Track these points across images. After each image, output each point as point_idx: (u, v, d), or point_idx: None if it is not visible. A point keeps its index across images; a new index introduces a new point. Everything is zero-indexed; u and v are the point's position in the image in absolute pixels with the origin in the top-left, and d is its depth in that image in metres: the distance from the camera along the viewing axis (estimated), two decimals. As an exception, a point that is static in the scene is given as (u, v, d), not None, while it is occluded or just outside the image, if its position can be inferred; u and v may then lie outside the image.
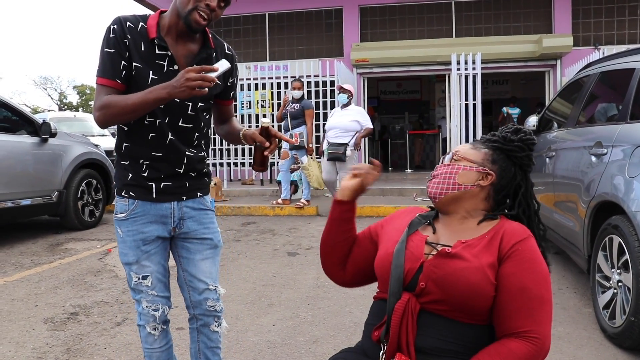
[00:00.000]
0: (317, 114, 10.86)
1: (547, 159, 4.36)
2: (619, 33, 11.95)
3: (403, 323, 1.33)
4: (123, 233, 1.84)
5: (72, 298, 3.82)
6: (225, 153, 10.73)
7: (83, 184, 6.57)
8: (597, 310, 3.13)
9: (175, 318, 3.15)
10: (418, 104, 16.89)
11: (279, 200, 8.07)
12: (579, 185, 3.50)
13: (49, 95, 47.36)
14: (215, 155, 10.86)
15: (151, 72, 1.71)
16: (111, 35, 1.69)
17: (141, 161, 1.79)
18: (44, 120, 6.17)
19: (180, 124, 1.79)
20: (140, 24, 1.73)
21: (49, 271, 4.58)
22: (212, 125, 2.02)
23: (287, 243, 5.68)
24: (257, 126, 9.60)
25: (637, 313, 2.59)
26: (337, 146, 6.88)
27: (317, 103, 10.86)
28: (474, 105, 9.27)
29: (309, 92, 10.91)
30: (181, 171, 1.84)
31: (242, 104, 11.25)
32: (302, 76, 10.60)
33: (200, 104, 1.82)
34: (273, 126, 1.75)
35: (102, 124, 1.69)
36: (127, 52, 1.69)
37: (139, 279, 1.85)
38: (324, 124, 10.37)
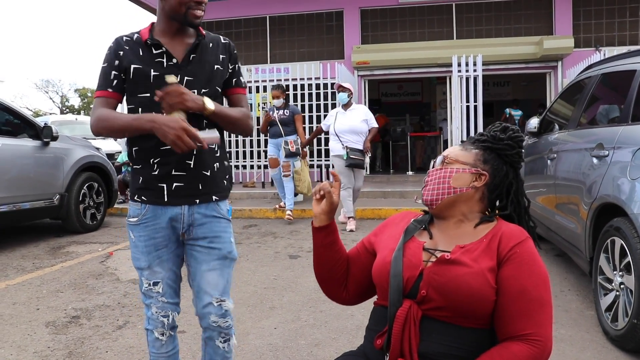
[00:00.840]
0: (318, 117, 10.88)
1: (549, 161, 4.35)
2: (619, 34, 11.95)
3: (405, 330, 1.32)
4: (135, 238, 1.85)
5: (74, 301, 3.82)
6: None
7: (85, 187, 6.57)
8: (599, 312, 3.12)
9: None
10: (419, 106, 16.88)
11: (287, 212, 7.22)
12: (581, 187, 3.49)
13: (51, 99, 47.54)
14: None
15: (152, 70, 1.79)
16: (107, 52, 1.85)
17: (151, 160, 1.80)
18: (45, 124, 6.18)
19: None
20: (135, 35, 1.86)
21: (51, 274, 4.58)
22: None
23: (288, 246, 5.68)
24: (257, 129, 9.62)
25: (640, 315, 2.58)
26: (358, 152, 6.50)
27: (317, 105, 10.89)
28: (475, 107, 9.28)
29: (310, 95, 10.93)
30: (191, 164, 1.81)
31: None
32: (303, 78, 10.63)
33: (203, 90, 1.83)
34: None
35: (96, 134, 1.84)
36: (119, 61, 1.81)
37: (149, 284, 1.85)
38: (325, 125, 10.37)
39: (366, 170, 9.69)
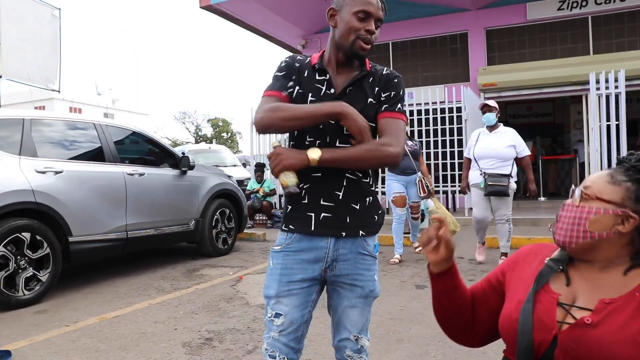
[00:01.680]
0: (444, 141, 10.61)
1: None
2: None
3: None
4: (273, 265, 1.83)
5: (207, 323, 3.99)
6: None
7: (217, 213, 6.94)
8: None
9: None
10: (551, 127, 15.86)
11: (395, 260, 6.26)
12: None
13: (187, 129, 51.59)
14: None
15: (310, 94, 1.81)
16: (282, 64, 1.88)
17: (301, 185, 1.77)
18: (183, 154, 6.65)
19: (337, 144, 1.77)
20: (308, 58, 1.91)
21: (187, 296, 4.85)
22: None
23: (414, 275, 5.52)
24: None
25: None
26: (498, 178, 5.52)
27: (442, 130, 10.63)
28: (617, 125, 8.51)
29: (435, 120, 10.71)
30: (340, 195, 1.77)
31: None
32: (428, 103, 10.46)
33: None
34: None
35: (264, 126, 1.74)
36: (295, 75, 1.84)
37: (272, 315, 1.79)
38: (459, 151, 10.08)
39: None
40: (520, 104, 15.66)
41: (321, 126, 1.75)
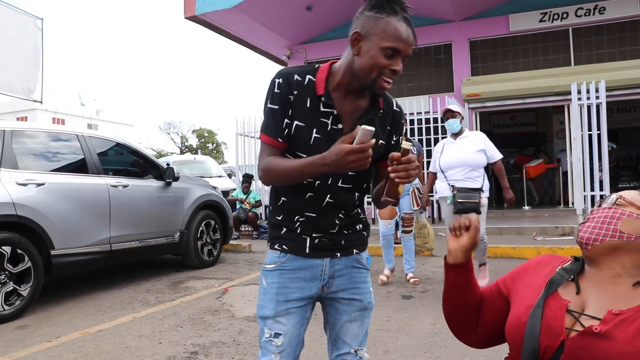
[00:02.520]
0: (429, 151, 10.64)
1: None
2: None
3: None
4: (267, 284, 1.76)
5: (192, 337, 3.94)
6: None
7: (202, 225, 6.89)
8: None
9: None
10: (534, 137, 16.04)
11: (413, 279, 5.61)
12: None
13: (172, 139, 51.32)
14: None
15: (315, 130, 1.64)
16: (276, 91, 1.65)
17: (295, 217, 1.73)
18: (168, 165, 6.61)
19: (339, 184, 1.70)
20: (308, 77, 1.66)
21: (172, 309, 4.79)
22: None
23: (400, 285, 5.51)
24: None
25: None
26: (469, 193, 4.87)
27: (428, 140, 10.67)
28: (599, 135, 8.62)
29: (420, 130, 10.77)
30: (334, 231, 1.75)
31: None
32: (413, 113, 10.50)
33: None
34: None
35: (265, 183, 1.69)
36: (290, 110, 1.65)
37: (270, 335, 1.72)
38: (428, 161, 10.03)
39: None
40: (504, 114, 15.81)
41: None
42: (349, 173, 1.68)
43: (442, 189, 5.20)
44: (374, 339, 3.70)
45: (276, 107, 1.65)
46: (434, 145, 9.60)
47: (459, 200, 4.86)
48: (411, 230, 5.66)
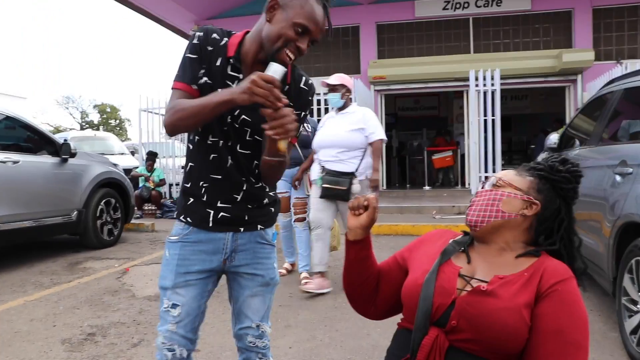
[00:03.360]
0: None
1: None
2: (641, 47, 11.80)
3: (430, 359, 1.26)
4: (169, 255, 1.77)
5: (90, 318, 3.81)
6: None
7: (102, 203, 6.61)
8: (623, 335, 3.02)
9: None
10: (436, 120, 16.81)
11: (305, 280, 4.52)
12: (604, 204, 3.41)
13: (71, 115, 48.35)
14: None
15: (219, 90, 1.61)
16: (195, 42, 1.67)
17: (201, 183, 1.74)
18: (64, 140, 6.26)
19: (238, 149, 1.72)
20: (225, 39, 1.69)
21: (68, 290, 4.59)
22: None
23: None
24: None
25: (668, 339, 2.49)
26: (337, 177, 4.22)
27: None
28: (493, 121, 9.19)
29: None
30: (238, 198, 1.75)
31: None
32: (319, 93, 10.60)
33: (255, 136, 1.72)
34: None
35: (169, 127, 1.63)
36: (206, 59, 1.66)
37: (168, 306, 1.75)
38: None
39: (382, 186, 9.53)
40: (409, 97, 16.43)
41: (225, 128, 1.68)
42: (247, 138, 1.70)
43: (313, 170, 4.54)
44: (275, 315, 3.76)
45: (194, 56, 1.66)
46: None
47: (324, 185, 4.24)
48: (304, 219, 4.81)
